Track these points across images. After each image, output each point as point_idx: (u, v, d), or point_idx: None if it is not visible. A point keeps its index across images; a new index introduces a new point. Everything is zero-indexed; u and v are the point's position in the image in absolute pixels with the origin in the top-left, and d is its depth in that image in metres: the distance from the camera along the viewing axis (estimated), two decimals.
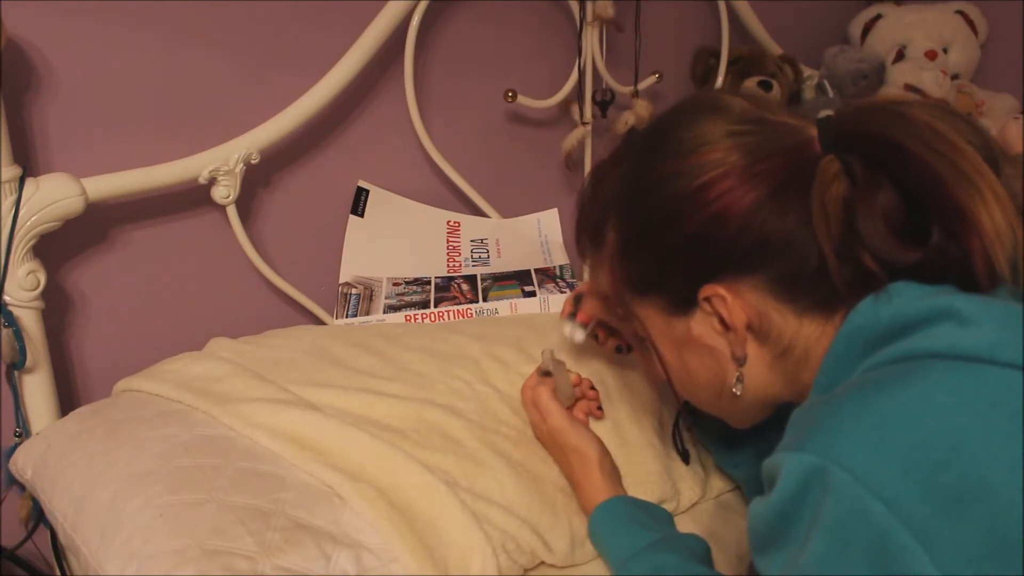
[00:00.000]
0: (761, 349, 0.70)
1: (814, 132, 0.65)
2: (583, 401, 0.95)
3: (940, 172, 0.59)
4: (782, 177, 0.64)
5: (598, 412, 0.94)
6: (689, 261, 0.69)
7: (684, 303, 0.71)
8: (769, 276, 0.66)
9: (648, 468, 0.92)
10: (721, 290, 0.68)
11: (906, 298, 0.61)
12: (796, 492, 0.55)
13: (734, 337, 0.69)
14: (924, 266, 0.62)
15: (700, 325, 0.71)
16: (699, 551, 0.81)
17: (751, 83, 1.53)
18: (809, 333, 0.67)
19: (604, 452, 0.88)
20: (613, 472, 0.88)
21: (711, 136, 0.66)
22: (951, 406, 0.54)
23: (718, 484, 0.98)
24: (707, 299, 0.68)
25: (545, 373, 0.93)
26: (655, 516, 0.85)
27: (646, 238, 0.70)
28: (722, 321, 0.69)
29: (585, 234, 0.77)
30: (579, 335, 0.92)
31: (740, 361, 0.71)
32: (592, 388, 0.96)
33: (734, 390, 0.72)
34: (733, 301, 0.67)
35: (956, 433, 0.53)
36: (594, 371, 1.00)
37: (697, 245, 0.67)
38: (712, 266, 0.68)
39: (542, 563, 0.85)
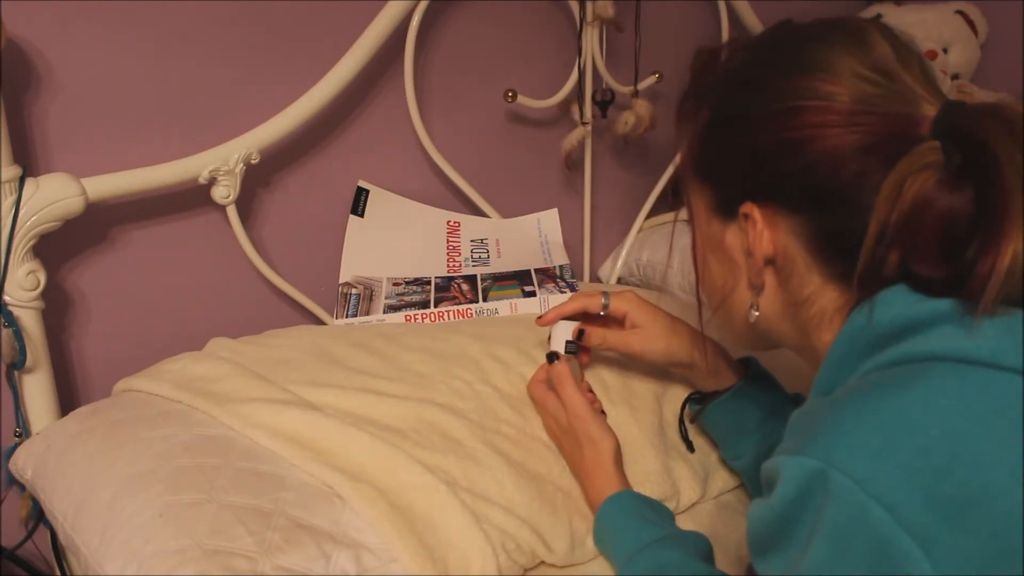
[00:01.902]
0: (779, 290, 0.70)
1: (932, 112, 0.61)
2: (589, 395, 0.95)
3: (1009, 197, 0.56)
4: (876, 139, 0.61)
5: (602, 414, 0.94)
6: (748, 171, 0.68)
7: (728, 209, 0.70)
8: (812, 226, 0.65)
9: (648, 467, 0.92)
10: (757, 214, 0.67)
11: (907, 301, 0.61)
12: (797, 497, 0.55)
13: (752, 264, 0.69)
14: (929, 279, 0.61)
15: (733, 237, 0.71)
16: (703, 549, 0.81)
17: None
18: (829, 300, 0.66)
19: (618, 446, 0.88)
20: (623, 470, 0.88)
21: (836, 68, 0.63)
22: (953, 411, 0.54)
23: (718, 484, 0.98)
24: (745, 216, 0.68)
25: (552, 357, 0.93)
26: (660, 513, 0.86)
27: (727, 129, 0.69)
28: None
29: (690, 98, 0.74)
30: (565, 346, 0.93)
31: (756, 289, 0.71)
32: (590, 391, 0.96)
33: (748, 317, 0.72)
34: (763, 230, 0.67)
35: (958, 439, 0.52)
36: (594, 371, 1.00)
37: (762, 160, 0.66)
38: (765, 187, 0.67)
39: (542, 563, 0.85)
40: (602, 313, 0.95)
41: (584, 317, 0.96)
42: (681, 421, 0.98)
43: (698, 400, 0.96)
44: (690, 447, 0.97)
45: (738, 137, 0.68)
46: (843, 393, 0.59)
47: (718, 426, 0.95)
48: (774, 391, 0.93)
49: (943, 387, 0.55)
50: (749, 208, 0.67)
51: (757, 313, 0.72)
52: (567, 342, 0.94)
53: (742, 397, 0.92)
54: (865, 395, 0.57)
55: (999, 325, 0.57)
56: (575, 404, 0.88)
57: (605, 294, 0.95)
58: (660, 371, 1.01)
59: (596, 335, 0.94)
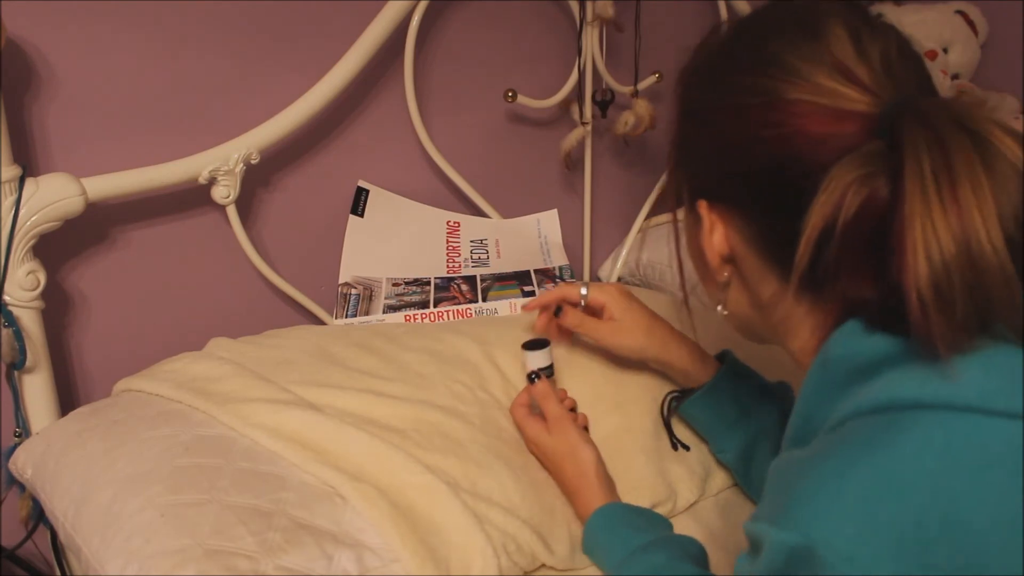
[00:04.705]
0: (743, 290, 0.68)
1: (879, 109, 0.57)
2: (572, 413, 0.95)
3: (908, 200, 0.51)
4: (821, 140, 0.57)
5: (584, 429, 0.95)
6: (701, 168, 0.67)
7: (692, 205, 0.68)
8: (759, 229, 0.63)
9: (639, 473, 0.93)
10: (706, 212, 0.65)
11: (859, 337, 0.57)
12: (783, 570, 0.51)
13: (710, 261, 0.67)
14: (876, 306, 0.57)
15: (700, 232, 0.68)
16: (693, 551, 0.80)
17: None
18: (792, 305, 0.63)
19: (599, 458, 0.89)
20: (608, 481, 0.89)
21: (786, 64, 0.59)
22: (941, 471, 0.49)
23: (718, 482, 0.98)
24: (698, 213, 0.67)
25: (532, 378, 0.93)
26: (651, 520, 0.86)
27: (686, 123, 0.68)
28: None
29: (678, 84, 0.71)
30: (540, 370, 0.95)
31: (721, 286, 0.68)
32: (572, 409, 0.97)
33: (718, 310, 0.70)
34: (714, 228, 0.65)
35: (948, 503, 0.48)
36: (587, 379, 1.00)
37: (710, 157, 0.65)
38: (714, 185, 0.65)
39: (543, 566, 0.85)
40: (582, 303, 0.97)
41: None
42: (666, 420, 0.99)
43: (679, 397, 0.98)
44: (675, 446, 0.97)
45: (693, 132, 0.67)
46: (824, 448, 0.54)
47: (698, 422, 0.96)
48: (751, 385, 0.93)
49: (929, 444, 0.50)
50: (700, 205, 0.66)
51: (724, 311, 0.70)
52: (541, 368, 0.95)
53: (717, 393, 0.93)
54: (846, 455, 0.52)
55: (982, 363, 0.52)
56: (557, 418, 0.89)
57: (586, 284, 0.97)
58: (655, 374, 1.01)
59: (574, 315, 0.96)
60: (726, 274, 0.68)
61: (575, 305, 0.98)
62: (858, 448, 0.52)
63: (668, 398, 0.98)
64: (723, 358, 0.95)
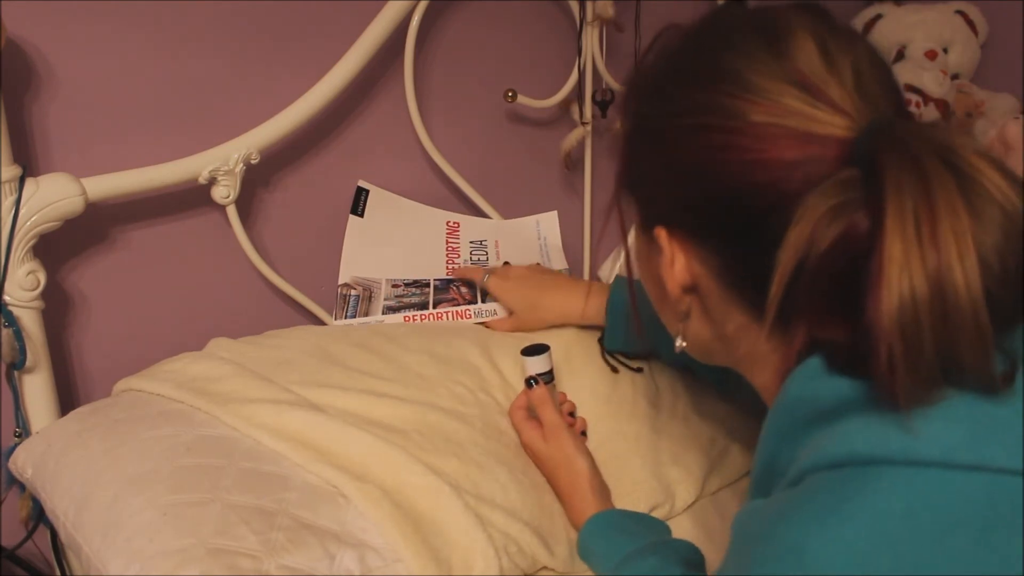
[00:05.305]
0: (705, 321, 0.63)
1: (853, 132, 0.52)
2: (569, 419, 0.96)
3: (887, 236, 0.48)
4: (788, 166, 0.53)
5: (582, 436, 0.95)
6: (655, 192, 0.62)
7: (647, 229, 0.63)
8: (722, 261, 0.58)
9: (633, 478, 0.93)
10: (665, 240, 0.60)
11: (821, 378, 0.54)
12: None
13: (669, 291, 0.63)
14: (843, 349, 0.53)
15: (657, 258, 0.63)
16: (686, 554, 0.80)
17: None
18: (758, 342, 0.59)
19: (592, 466, 0.89)
20: (603, 489, 0.89)
21: (747, 80, 0.54)
22: (903, 537, 0.46)
23: (716, 481, 0.98)
24: (655, 239, 0.62)
25: (531, 382, 0.93)
26: (646, 524, 0.86)
27: (637, 141, 0.63)
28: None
29: (626, 94, 0.66)
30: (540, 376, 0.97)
31: (680, 316, 0.64)
32: (571, 414, 0.97)
33: (676, 343, 0.67)
34: (674, 258, 0.60)
35: (912, 572, 0.46)
36: (583, 383, 1.00)
37: (665, 182, 0.60)
38: (671, 212, 0.60)
39: (543, 567, 0.85)
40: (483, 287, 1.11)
41: None
42: (605, 355, 1.04)
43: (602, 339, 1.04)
44: (614, 369, 1.03)
45: (646, 152, 0.62)
46: (781, 508, 0.51)
47: (628, 348, 1.02)
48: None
49: (890, 508, 0.47)
50: (659, 234, 0.61)
51: (683, 344, 0.66)
52: (540, 374, 0.95)
53: (618, 323, 0.98)
54: (803, 521, 0.49)
55: (941, 415, 0.49)
56: (553, 425, 0.90)
57: (488, 274, 1.11)
58: (650, 375, 1.02)
59: (496, 324, 1.11)
60: (686, 304, 0.63)
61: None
62: (815, 511, 0.49)
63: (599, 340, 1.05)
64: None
